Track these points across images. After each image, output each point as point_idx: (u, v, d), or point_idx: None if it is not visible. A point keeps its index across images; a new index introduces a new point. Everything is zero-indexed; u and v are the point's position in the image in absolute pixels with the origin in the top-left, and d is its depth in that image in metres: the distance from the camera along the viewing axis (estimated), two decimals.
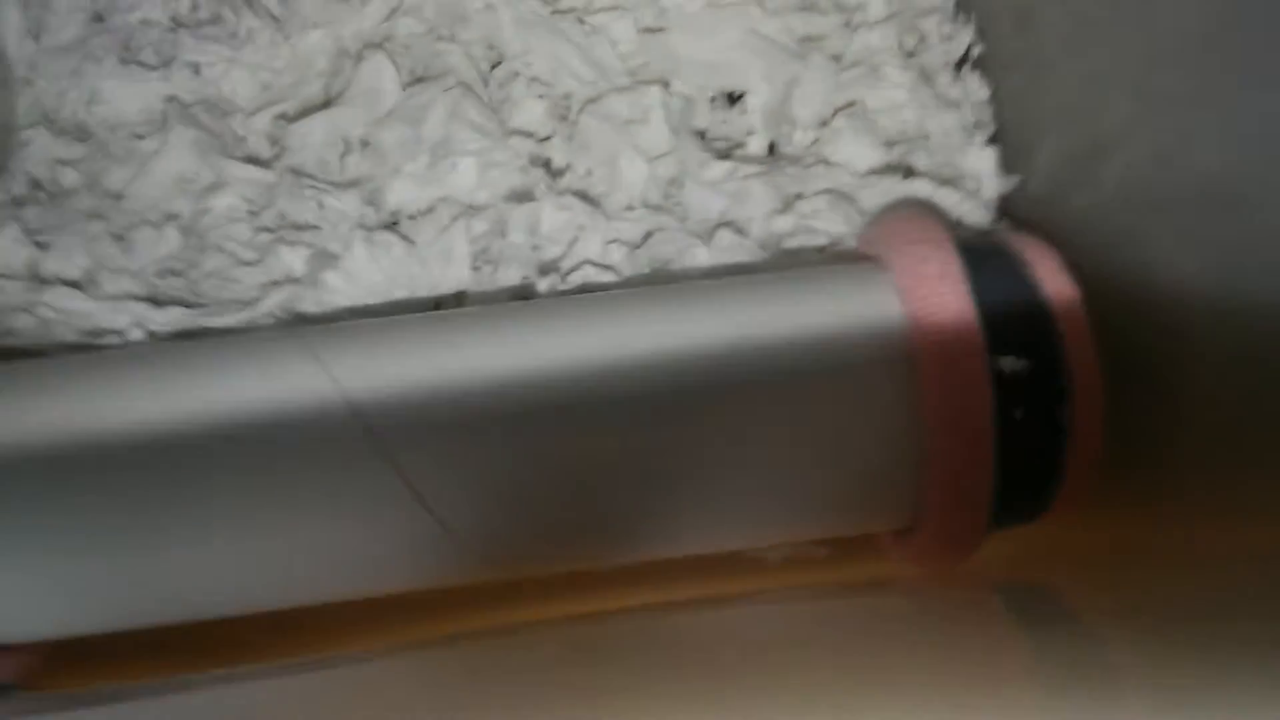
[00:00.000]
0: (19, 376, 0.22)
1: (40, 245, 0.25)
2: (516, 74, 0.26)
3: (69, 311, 0.24)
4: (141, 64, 0.27)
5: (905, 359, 0.19)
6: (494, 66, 0.26)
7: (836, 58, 0.26)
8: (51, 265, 0.25)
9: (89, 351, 0.24)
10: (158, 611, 0.22)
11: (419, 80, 0.26)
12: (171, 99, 0.26)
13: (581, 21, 0.26)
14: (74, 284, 0.24)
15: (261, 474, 0.20)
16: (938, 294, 0.19)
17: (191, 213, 0.25)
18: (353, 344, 0.20)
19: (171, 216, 0.25)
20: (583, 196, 0.25)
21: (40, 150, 0.26)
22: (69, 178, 0.26)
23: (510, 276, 0.25)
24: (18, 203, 0.26)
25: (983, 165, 0.25)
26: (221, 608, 0.21)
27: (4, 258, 0.25)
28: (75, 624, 0.22)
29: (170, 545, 0.20)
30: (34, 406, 0.21)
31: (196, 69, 0.26)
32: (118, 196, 0.26)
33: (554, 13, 0.26)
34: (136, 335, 0.24)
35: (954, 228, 0.22)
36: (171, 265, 0.25)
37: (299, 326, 0.23)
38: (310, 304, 0.24)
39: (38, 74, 0.27)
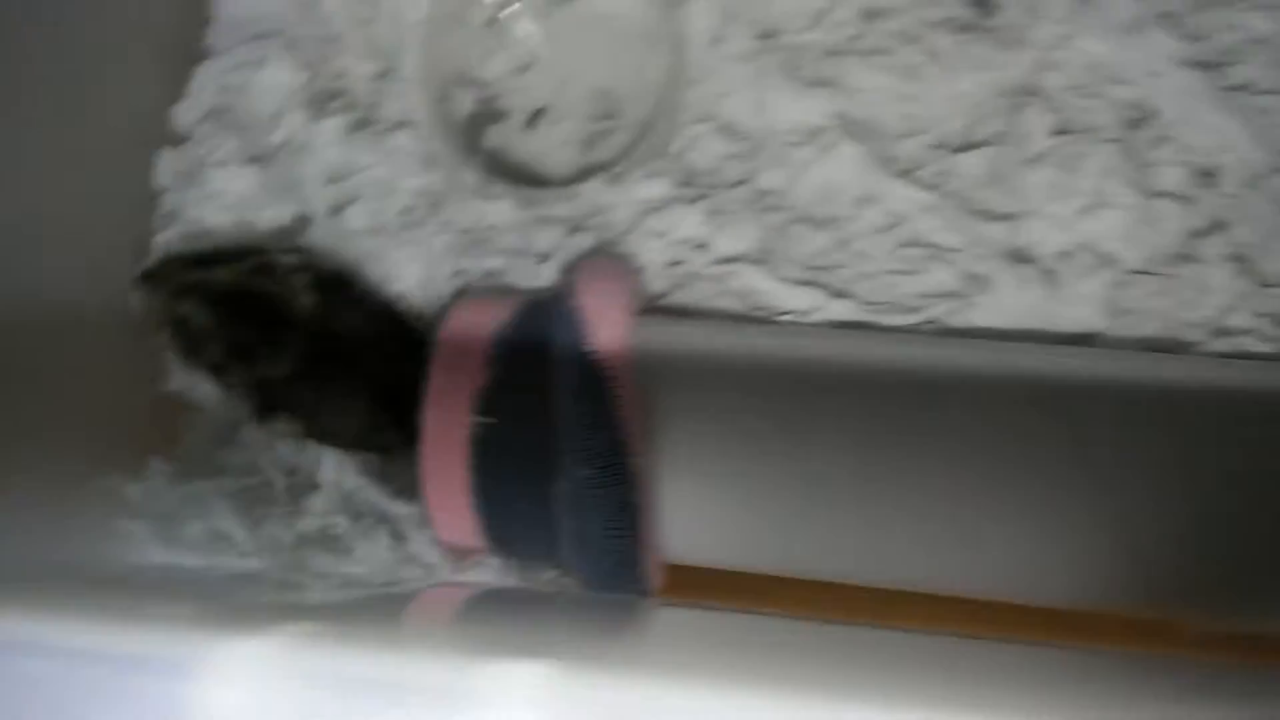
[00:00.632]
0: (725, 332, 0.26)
1: (712, 226, 0.29)
2: (1165, 138, 0.27)
3: (745, 286, 0.28)
4: (803, 80, 0.30)
5: None
6: (1138, 127, 0.28)
7: None
8: (722, 244, 0.29)
9: (760, 324, 0.28)
10: (797, 563, 0.25)
11: (1062, 131, 0.28)
12: (833, 115, 0.29)
13: (1253, 99, 0.27)
14: (748, 261, 0.28)
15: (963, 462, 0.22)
16: None
17: (842, 218, 0.28)
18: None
19: (824, 219, 0.28)
20: (1237, 263, 0.26)
21: (703, 143, 0.30)
22: (729, 171, 0.30)
23: (1145, 328, 0.26)
24: (688, 184, 0.30)
25: None
26: (850, 574, 0.24)
27: (689, 231, 0.29)
28: (723, 558, 0.25)
29: (839, 508, 0.23)
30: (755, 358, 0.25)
31: (855, 92, 0.30)
32: (773, 194, 0.29)
33: (1222, 88, 0.27)
34: (814, 318, 0.27)
35: None
36: (822, 262, 0.28)
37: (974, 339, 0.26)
38: (960, 320, 0.26)
39: (709, 76, 0.31)
